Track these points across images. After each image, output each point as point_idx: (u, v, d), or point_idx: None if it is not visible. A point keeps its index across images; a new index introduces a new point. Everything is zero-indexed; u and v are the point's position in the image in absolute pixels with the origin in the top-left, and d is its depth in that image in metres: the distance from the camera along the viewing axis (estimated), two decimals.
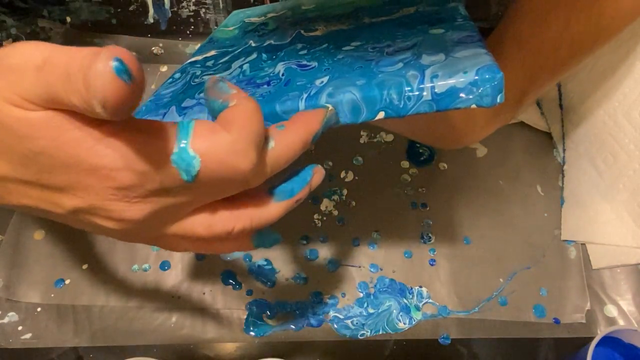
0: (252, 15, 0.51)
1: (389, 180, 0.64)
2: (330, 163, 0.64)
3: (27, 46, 0.24)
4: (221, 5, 0.71)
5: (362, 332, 0.55)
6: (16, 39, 0.70)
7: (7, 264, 0.57)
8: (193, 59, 0.45)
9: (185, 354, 0.54)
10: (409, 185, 0.63)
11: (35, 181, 0.26)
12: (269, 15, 0.50)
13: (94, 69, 0.22)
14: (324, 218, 0.61)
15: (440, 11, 0.41)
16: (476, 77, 0.31)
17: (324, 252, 0.59)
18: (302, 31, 0.44)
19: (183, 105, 0.36)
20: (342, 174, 0.64)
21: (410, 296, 0.57)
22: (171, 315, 0.55)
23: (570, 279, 0.59)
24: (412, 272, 0.58)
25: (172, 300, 0.56)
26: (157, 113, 0.36)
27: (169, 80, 0.42)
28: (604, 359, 0.52)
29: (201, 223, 0.31)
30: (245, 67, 0.40)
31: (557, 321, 0.56)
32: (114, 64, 0.22)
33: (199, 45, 0.51)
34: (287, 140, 0.30)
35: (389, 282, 0.58)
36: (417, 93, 0.31)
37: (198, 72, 0.42)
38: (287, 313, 0.56)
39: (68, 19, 0.71)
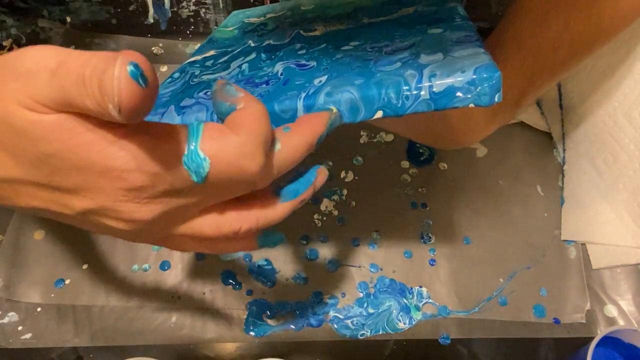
0: (251, 15, 0.51)
1: (389, 180, 0.64)
2: (330, 163, 0.64)
3: (41, 50, 0.24)
4: (221, 5, 0.71)
5: (362, 332, 0.55)
6: (16, 39, 0.70)
7: (7, 264, 0.57)
8: (192, 59, 0.45)
9: (185, 354, 0.54)
10: (409, 185, 0.63)
11: (46, 183, 0.27)
12: (269, 15, 0.50)
13: (110, 73, 0.22)
14: (324, 218, 0.61)
15: (439, 11, 0.42)
16: (474, 77, 0.31)
17: (324, 252, 0.59)
18: (301, 31, 0.44)
19: (182, 104, 0.37)
20: (342, 174, 0.64)
21: (410, 296, 0.57)
22: (171, 315, 0.55)
23: (570, 279, 0.59)
24: (412, 272, 0.58)
25: (172, 300, 0.56)
26: (156, 112, 0.37)
27: (168, 80, 0.42)
28: (604, 359, 0.52)
29: (209, 223, 0.32)
30: (244, 66, 0.40)
31: (557, 321, 0.56)
32: (129, 68, 0.22)
33: (199, 45, 0.51)
34: (293, 143, 0.31)
35: (389, 282, 0.57)
36: (415, 92, 0.32)
37: (197, 72, 0.42)
38: (287, 313, 0.56)
39: (68, 19, 0.72)
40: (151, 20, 0.72)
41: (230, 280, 0.57)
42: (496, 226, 0.62)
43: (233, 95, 0.29)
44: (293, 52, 0.40)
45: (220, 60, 0.43)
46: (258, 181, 0.30)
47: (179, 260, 0.58)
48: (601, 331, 0.55)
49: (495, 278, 0.58)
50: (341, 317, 0.55)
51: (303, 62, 0.38)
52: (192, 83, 0.40)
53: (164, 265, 0.58)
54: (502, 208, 0.63)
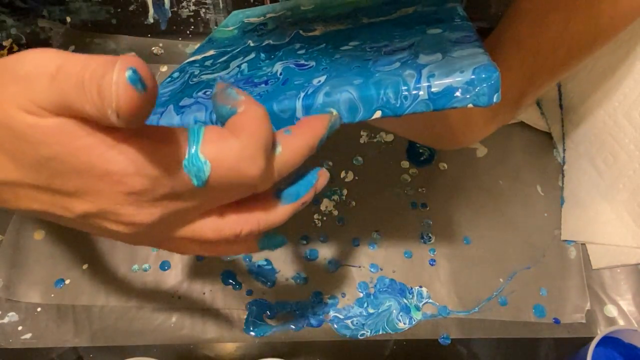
0: (251, 15, 0.51)
1: (389, 180, 0.64)
2: (330, 163, 0.64)
3: (41, 54, 0.24)
4: (221, 5, 0.71)
5: (362, 332, 0.55)
6: (16, 39, 0.70)
7: (7, 264, 0.57)
8: (191, 59, 0.45)
9: (185, 354, 0.54)
10: (409, 185, 0.63)
11: (46, 186, 0.27)
12: (268, 15, 0.50)
13: (108, 78, 0.22)
14: (324, 218, 0.61)
15: (439, 11, 0.41)
16: (473, 77, 0.31)
17: (324, 252, 0.59)
18: (300, 31, 0.44)
19: (181, 104, 0.37)
20: (342, 174, 0.64)
21: (410, 296, 0.57)
22: (171, 315, 0.55)
23: (570, 279, 0.59)
24: (412, 272, 0.58)
25: (172, 300, 0.56)
26: (155, 112, 0.37)
27: (167, 80, 0.42)
28: (604, 359, 0.52)
29: (210, 226, 0.32)
30: (244, 66, 0.40)
31: (557, 321, 0.56)
32: (128, 73, 0.22)
33: (199, 45, 0.51)
34: (294, 146, 0.31)
35: (389, 282, 0.57)
36: (413, 92, 0.32)
37: (196, 72, 0.42)
38: (287, 313, 0.56)
39: (68, 19, 0.72)
40: (151, 20, 0.72)
41: (230, 280, 0.57)
42: (496, 226, 0.62)
43: (234, 98, 0.29)
44: (292, 52, 0.40)
45: (220, 60, 0.43)
46: (259, 184, 0.30)
47: (179, 260, 0.58)
48: (601, 331, 0.55)
49: (495, 278, 0.58)
50: (341, 317, 0.55)
51: (302, 62, 0.38)
52: (191, 83, 0.40)
53: (164, 265, 0.58)
54: (502, 208, 0.63)
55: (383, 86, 0.32)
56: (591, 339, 0.49)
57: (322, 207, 0.62)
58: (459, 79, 0.31)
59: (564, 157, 0.65)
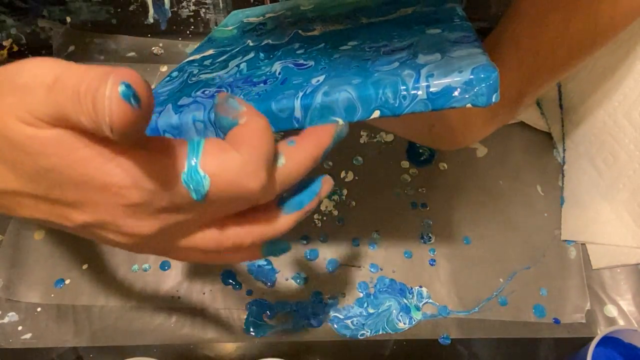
0: (251, 15, 0.51)
1: (389, 180, 0.64)
2: (330, 163, 0.64)
3: (39, 64, 0.24)
4: (221, 5, 0.71)
5: (362, 332, 0.55)
6: (16, 39, 0.71)
7: (7, 264, 0.57)
8: (190, 58, 0.45)
9: (185, 354, 0.54)
10: (409, 185, 0.63)
11: (45, 196, 0.27)
12: (268, 15, 0.50)
13: (102, 92, 0.22)
14: (324, 218, 0.61)
15: (438, 12, 0.41)
16: (471, 77, 0.31)
17: (324, 252, 0.59)
18: (300, 31, 0.44)
19: (179, 103, 0.37)
20: (342, 174, 0.64)
21: (410, 296, 0.57)
22: (171, 315, 0.55)
23: (570, 279, 0.58)
24: (412, 272, 0.58)
25: (172, 300, 0.56)
26: (153, 111, 0.36)
27: (166, 79, 0.42)
28: (604, 359, 0.52)
29: (211, 238, 0.31)
30: (243, 66, 0.40)
31: (557, 321, 0.56)
32: (121, 88, 0.22)
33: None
34: (298, 157, 0.30)
35: (389, 282, 0.57)
36: (412, 92, 0.31)
37: (195, 71, 0.42)
38: (287, 313, 0.56)
39: (68, 19, 0.72)
40: (151, 20, 0.72)
41: (230, 280, 0.57)
42: (496, 226, 0.61)
43: (235, 109, 0.29)
44: (291, 51, 0.40)
45: (219, 60, 0.43)
46: (261, 198, 0.29)
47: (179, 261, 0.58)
48: (601, 331, 0.55)
49: (495, 278, 0.58)
50: (341, 317, 0.55)
51: (301, 61, 0.38)
52: (190, 82, 0.40)
53: (164, 265, 0.58)
54: (502, 208, 0.63)
55: (382, 86, 0.32)
56: (591, 339, 0.49)
57: (322, 207, 0.62)
58: (458, 78, 0.31)
59: (564, 157, 0.65)
